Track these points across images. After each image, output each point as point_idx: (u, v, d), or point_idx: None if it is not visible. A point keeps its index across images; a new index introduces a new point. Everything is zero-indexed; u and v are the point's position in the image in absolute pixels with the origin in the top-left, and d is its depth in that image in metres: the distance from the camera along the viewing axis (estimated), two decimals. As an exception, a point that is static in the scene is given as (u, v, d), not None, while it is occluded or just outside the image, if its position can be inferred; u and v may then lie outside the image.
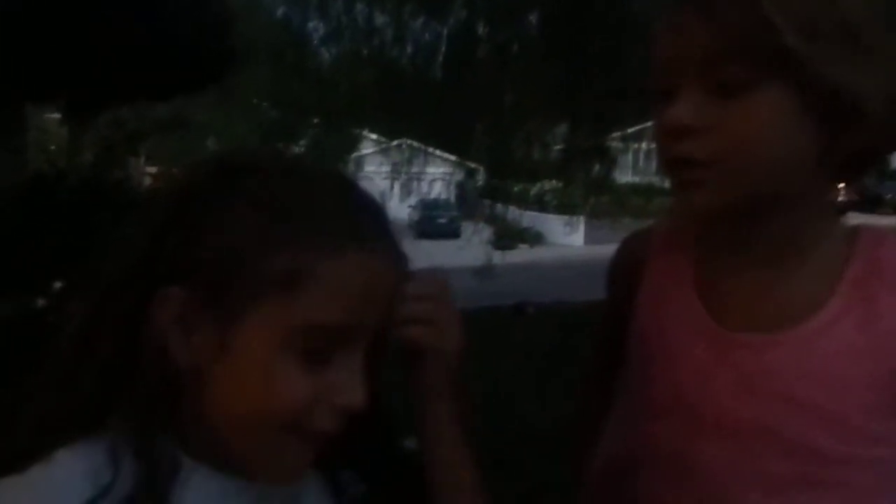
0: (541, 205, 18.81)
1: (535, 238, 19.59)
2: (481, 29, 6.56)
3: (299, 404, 0.52)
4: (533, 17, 6.30)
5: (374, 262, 0.54)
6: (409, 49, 7.10)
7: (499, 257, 9.14)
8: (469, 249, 9.82)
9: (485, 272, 8.50)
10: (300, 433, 0.53)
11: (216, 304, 0.52)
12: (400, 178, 10.95)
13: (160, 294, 0.51)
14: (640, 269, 0.76)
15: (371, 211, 0.57)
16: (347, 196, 0.56)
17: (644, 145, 11.41)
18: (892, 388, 0.63)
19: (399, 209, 15.04)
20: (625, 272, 0.78)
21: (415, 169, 10.60)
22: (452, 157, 11.08)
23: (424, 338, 0.62)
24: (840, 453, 0.64)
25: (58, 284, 3.19)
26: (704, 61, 0.61)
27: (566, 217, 16.93)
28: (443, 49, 6.91)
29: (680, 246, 0.74)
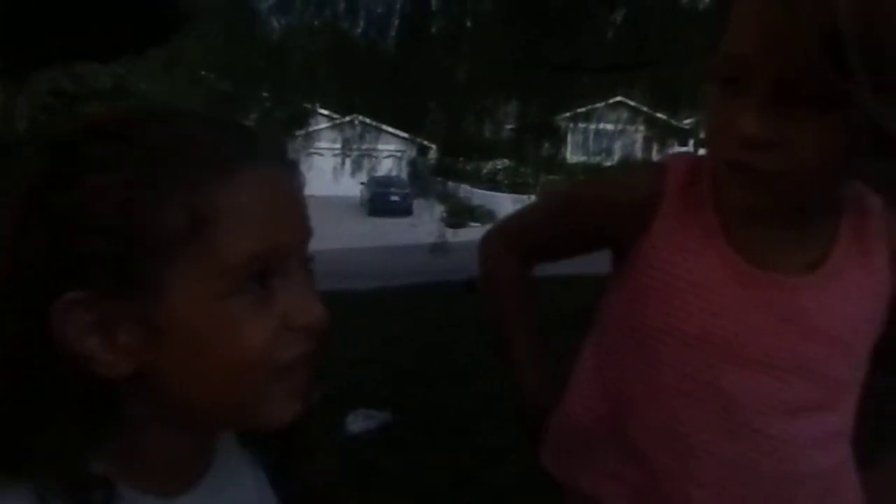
0: (493, 183, 18.88)
1: (486, 216, 19.73)
2: (435, 2, 6.49)
3: (263, 343, 0.48)
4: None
5: (267, 173, 0.50)
6: (362, 21, 6.98)
7: (451, 235, 9.15)
8: (421, 227, 9.82)
9: (438, 249, 8.50)
10: (279, 371, 0.50)
11: (128, 289, 0.46)
12: (351, 155, 10.81)
13: (59, 305, 0.44)
14: (652, 207, 0.77)
15: (241, 130, 0.52)
16: (211, 124, 0.52)
17: (592, 125, 11.58)
18: (880, 320, 0.74)
19: (350, 186, 14.84)
20: (631, 206, 0.79)
21: (366, 146, 10.49)
22: (404, 134, 11.00)
23: None
24: (847, 381, 0.75)
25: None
26: (789, 75, 0.61)
27: (514, 196, 17.02)
28: (396, 22, 6.81)
29: (699, 191, 0.77)
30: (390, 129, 11.73)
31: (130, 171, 0.46)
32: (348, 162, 11.12)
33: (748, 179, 0.68)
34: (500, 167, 17.14)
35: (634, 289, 0.79)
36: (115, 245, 0.45)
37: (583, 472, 0.84)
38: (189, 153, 0.47)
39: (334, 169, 11.27)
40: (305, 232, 0.53)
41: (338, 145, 11.00)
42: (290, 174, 0.53)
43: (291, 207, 0.52)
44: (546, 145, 8.74)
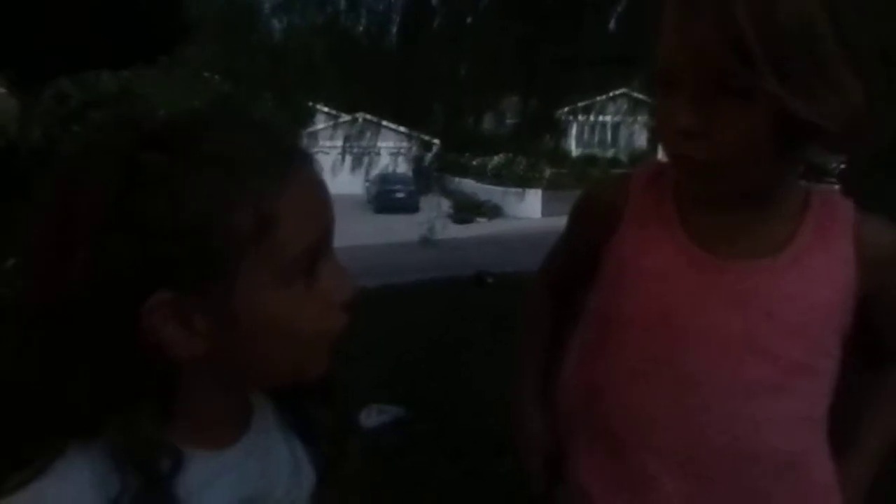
0: (498, 178, 18.86)
1: (492, 211, 19.69)
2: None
3: (316, 320, 0.57)
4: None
5: (309, 172, 0.57)
6: (363, 19, 6.98)
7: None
8: (428, 223, 9.84)
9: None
10: (326, 339, 0.60)
11: (204, 284, 0.51)
12: (354, 152, 10.81)
13: (148, 305, 0.50)
14: (619, 209, 0.85)
15: (281, 135, 0.59)
16: (254, 127, 0.58)
17: (596, 118, 11.58)
18: (844, 311, 0.78)
19: (355, 184, 14.80)
20: (603, 211, 0.87)
21: (371, 143, 10.49)
22: (408, 131, 11.02)
23: None
24: (803, 363, 0.78)
25: (10, 261, 3.10)
26: (707, 73, 0.69)
27: (512, 188, 17.01)
28: (397, 20, 6.81)
29: (660, 187, 0.84)
30: (394, 126, 11.74)
31: (201, 180, 0.50)
32: (354, 160, 11.11)
33: (688, 169, 0.75)
34: (504, 162, 17.13)
35: (604, 281, 0.86)
36: (193, 248, 0.50)
37: (570, 458, 0.89)
38: (250, 161, 0.53)
39: (338, 166, 11.25)
40: (334, 217, 0.60)
41: (346, 143, 10.98)
42: (317, 168, 0.59)
43: (326, 198, 0.59)
44: (550, 139, 8.75)
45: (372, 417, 3.26)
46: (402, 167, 11.93)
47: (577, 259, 0.94)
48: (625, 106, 11.17)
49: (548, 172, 18.23)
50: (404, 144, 11.08)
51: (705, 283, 0.79)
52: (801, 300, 0.77)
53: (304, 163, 0.57)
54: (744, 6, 0.64)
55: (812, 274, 0.78)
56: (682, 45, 0.70)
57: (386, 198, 20.68)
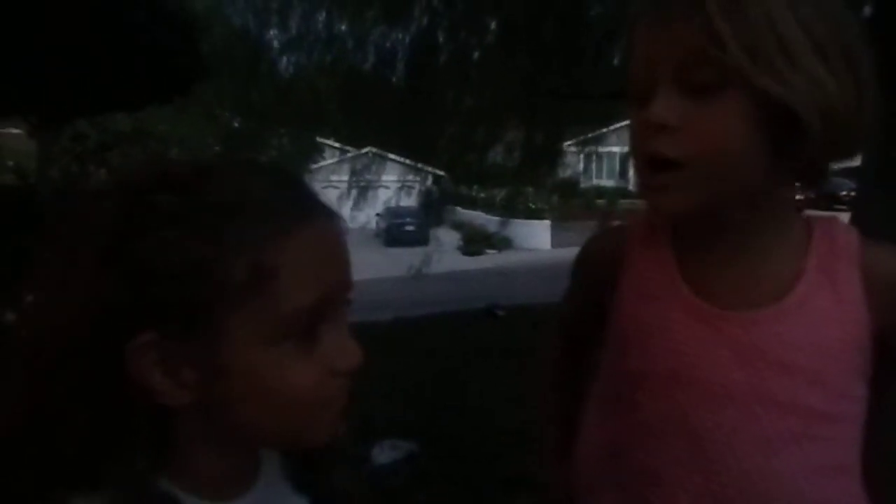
0: (508, 210, 18.89)
1: (502, 243, 19.70)
2: (442, 36, 6.59)
3: (312, 387, 0.53)
4: (493, 23, 6.37)
5: (321, 229, 0.54)
6: (371, 56, 7.10)
7: (467, 263, 9.11)
8: (437, 256, 9.85)
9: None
10: (324, 404, 0.55)
11: (195, 332, 0.49)
12: (360, 186, 10.88)
13: (133, 345, 0.49)
14: (618, 262, 0.83)
15: (295, 181, 0.56)
16: (272, 179, 0.55)
17: (604, 149, 11.65)
18: (860, 350, 0.74)
19: (365, 218, 14.84)
20: (602, 265, 0.85)
21: (381, 177, 10.58)
22: (416, 164, 11.10)
23: None
24: (822, 411, 0.74)
25: (30, 298, 3.12)
26: (681, 62, 0.68)
27: (520, 220, 17.03)
28: (402, 56, 6.91)
29: (657, 238, 0.81)
30: (403, 161, 11.83)
31: (201, 226, 0.49)
32: (364, 194, 11.18)
33: (658, 181, 0.71)
34: (512, 193, 17.19)
35: (611, 337, 0.84)
36: (185, 293, 0.49)
37: None
38: (255, 211, 0.51)
39: (346, 199, 11.32)
40: (350, 280, 0.57)
41: (353, 177, 11.05)
42: (337, 225, 0.57)
43: (341, 259, 0.56)
44: (554, 170, 8.80)
45: (385, 453, 3.23)
46: (411, 200, 11.98)
47: (585, 312, 0.92)
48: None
49: (556, 203, 18.28)
50: (413, 177, 11.15)
51: (711, 337, 0.75)
52: (811, 346, 0.73)
53: (319, 218, 0.54)
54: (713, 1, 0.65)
55: (821, 316, 0.74)
56: (658, 43, 0.69)
57: (395, 231, 20.70)
